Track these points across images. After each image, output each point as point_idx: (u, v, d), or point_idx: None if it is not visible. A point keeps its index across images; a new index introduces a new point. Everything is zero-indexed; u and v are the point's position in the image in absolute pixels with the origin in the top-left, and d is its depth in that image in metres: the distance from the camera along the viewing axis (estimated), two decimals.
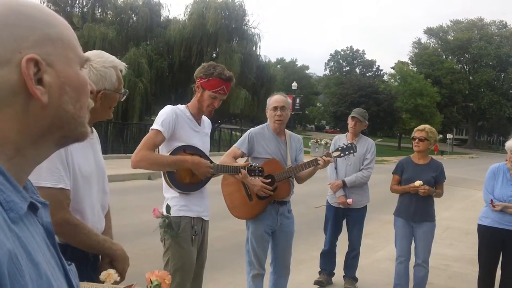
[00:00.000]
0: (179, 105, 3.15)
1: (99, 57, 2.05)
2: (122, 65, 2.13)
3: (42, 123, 0.75)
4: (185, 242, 3.00)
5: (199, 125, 3.16)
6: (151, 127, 3.00)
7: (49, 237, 0.79)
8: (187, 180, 3.04)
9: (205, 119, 3.27)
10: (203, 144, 3.16)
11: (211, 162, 3.12)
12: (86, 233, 1.94)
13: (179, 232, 2.97)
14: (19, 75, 0.71)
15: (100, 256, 2.07)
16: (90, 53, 2.06)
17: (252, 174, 3.50)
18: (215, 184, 4.10)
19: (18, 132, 0.73)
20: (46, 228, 0.79)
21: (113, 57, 2.11)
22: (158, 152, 3.06)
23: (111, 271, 1.96)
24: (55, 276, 0.73)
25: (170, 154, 2.98)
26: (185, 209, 3.02)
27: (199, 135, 3.13)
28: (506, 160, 4.60)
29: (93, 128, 2.15)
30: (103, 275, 1.94)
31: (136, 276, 2.18)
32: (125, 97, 2.17)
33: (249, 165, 3.51)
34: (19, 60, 0.71)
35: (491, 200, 4.51)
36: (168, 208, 2.97)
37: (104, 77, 2.02)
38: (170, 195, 3.07)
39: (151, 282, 1.88)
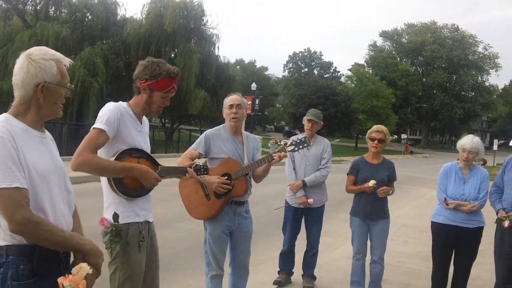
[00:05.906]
0: (121, 102, 2.94)
1: (39, 51, 2.04)
2: (65, 59, 2.11)
3: None
4: (133, 249, 2.82)
5: (141, 124, 2.98)
6: (93, 126, 2.74)
7: None
8: (134, 185, 2.82)
9: (144, 118, 3.06)
10: (146, 144, 2.98)
11: (158, 164, 2.95)
12: (50, 230, 1.91)
13: (128, 239, 2.79)
14: None
15: (72, 254, 2.04)
16: (32, 49, 2.07)
17: (199, 173, 3.24)
18: (173, 186, 4.07)
19: None
20: None
21: (55, 52, 2.09)
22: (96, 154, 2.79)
23: (83, 264, 1.94)
24: None
25: (115, 158, 2.76)
26: (133, 215, 2.84)
27: (142, 135, 2.96)
28: (458, 159, 4.78)
29: (44, 128, 2.11)
30: (74, 270, 1.92)
31: None
32: (70, 92, 2.13)
33: (194, 164, 3.26)
34: None
35: (445, 199, 4.65)
36: (116, 216, 2.73)
37: (43, 69, 2.00)
38: (113, 200, 2.84)
39: None
